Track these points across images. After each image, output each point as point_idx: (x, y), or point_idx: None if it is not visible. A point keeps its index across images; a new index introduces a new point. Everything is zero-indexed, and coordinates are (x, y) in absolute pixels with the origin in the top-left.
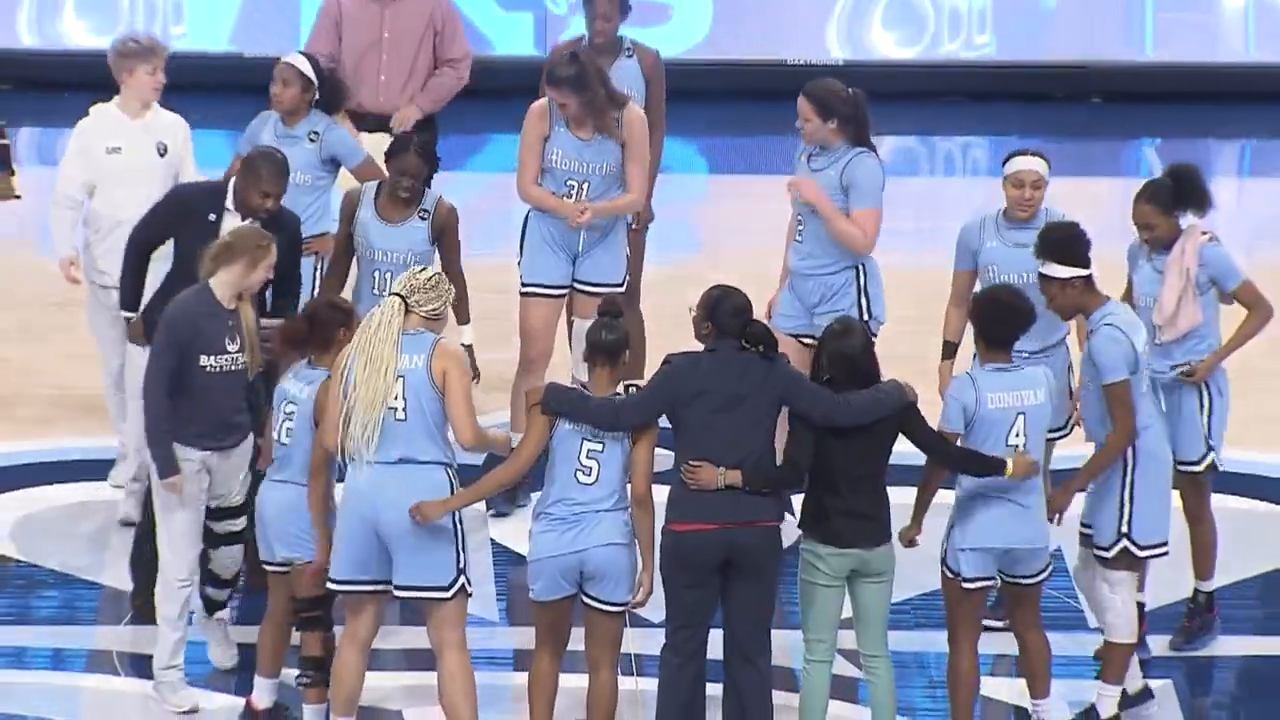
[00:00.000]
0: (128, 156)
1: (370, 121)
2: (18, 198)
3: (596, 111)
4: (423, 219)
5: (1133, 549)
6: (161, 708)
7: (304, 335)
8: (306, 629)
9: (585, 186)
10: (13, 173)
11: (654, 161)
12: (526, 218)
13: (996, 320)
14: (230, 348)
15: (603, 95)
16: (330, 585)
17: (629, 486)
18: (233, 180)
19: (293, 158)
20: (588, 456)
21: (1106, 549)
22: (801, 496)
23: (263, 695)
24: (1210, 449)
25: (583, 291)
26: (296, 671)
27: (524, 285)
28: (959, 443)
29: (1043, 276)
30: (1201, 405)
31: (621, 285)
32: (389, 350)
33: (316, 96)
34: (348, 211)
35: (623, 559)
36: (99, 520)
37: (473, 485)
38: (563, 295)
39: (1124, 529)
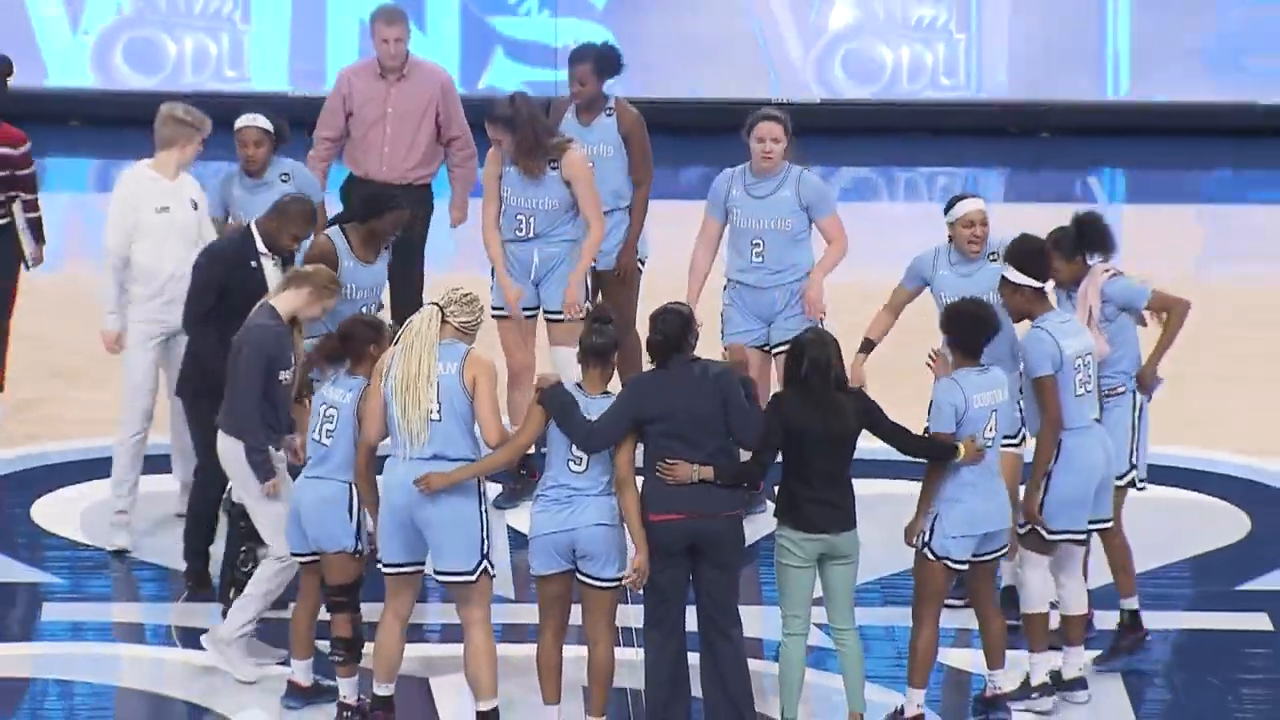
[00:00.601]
0: (174, 215)
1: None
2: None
3: (526, 152)
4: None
5: (1041, 531)
6: (218, 675)
7: (339, 350)
8: (337, 611)
9: (532, 220)
10: (43, 242)
11: (640, 211)
12: None
13: (970, 330)
14: (291, 363)
15: (532, 138)
16: (379, 567)
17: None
18: (253, 225)
19: (265, 203)
20: (578, 448)
21: (1020, 527)
22: (776, 488)
23: (302, 673)
24: (1133, 467)
25: (546, 318)
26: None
27: (493, 308)
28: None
29: (1003, 278)
30: (1133, 425)
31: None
32: (427, 358)
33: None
34: (324, 258)
35: (610, 538)
36: (157, 509)
37: (474, 464)
38: (527, 314)
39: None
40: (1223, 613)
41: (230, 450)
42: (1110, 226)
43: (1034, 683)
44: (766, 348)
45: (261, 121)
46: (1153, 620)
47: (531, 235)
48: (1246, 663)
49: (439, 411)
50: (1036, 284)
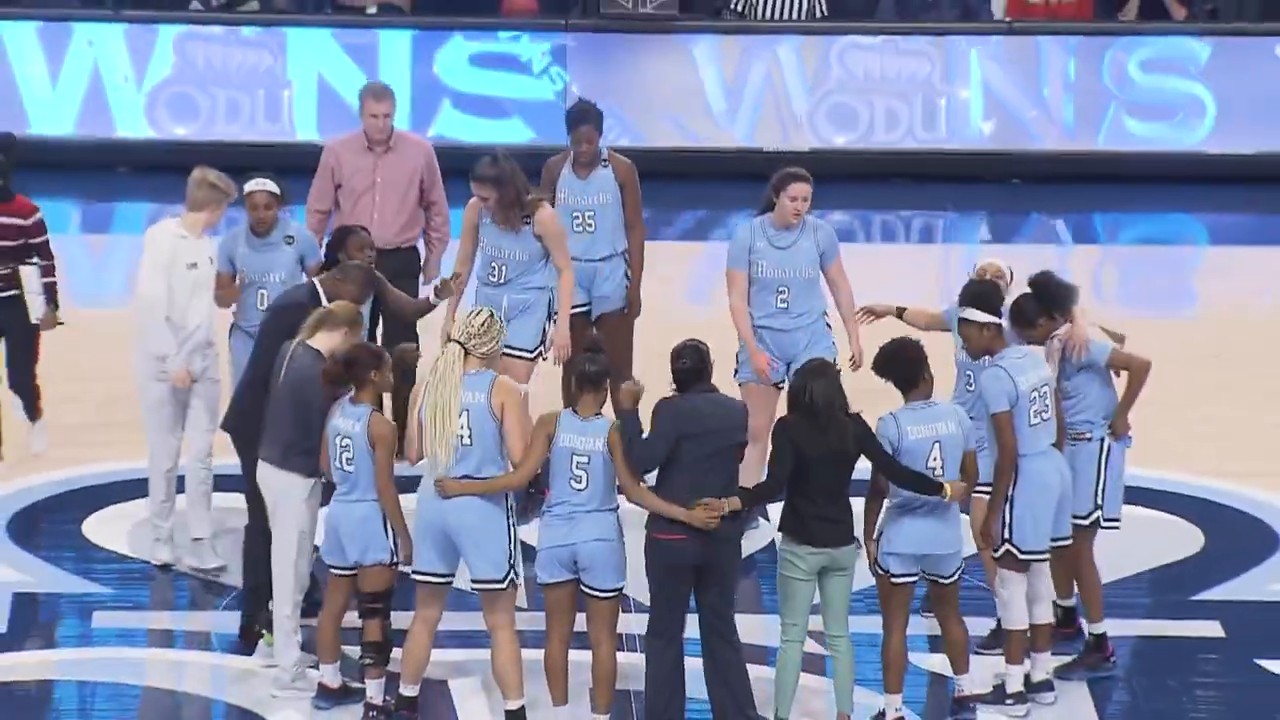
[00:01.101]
0: (201, 271)
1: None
2: (61, 324)
3: (507, 207)
4: None
5: (1014, 552)
6: (255, 678)
7: (343, 375)
8: (369, 618)
9: (504, 268)
10: (57, 307)
11: (637, 258)
12: None
13: (900, 368)
14: None
15: (513, 194)
16: (413, 576)
17: (615, 491)
18: (316, 283)
19: (273, 261)
20: (578, 467)
21: (995, 550)
22: (780, 505)
23: (331, 677)
24: (1098, 508)
25: (505, 352)
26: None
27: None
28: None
29: (962, 320)
30: (1098, 469)
31: (533, 352)
32: (453, 394)
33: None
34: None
35: (608, 552)
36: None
37: (486, 481)
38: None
39: (1006, 535)
40: (1179, 620)
41: (280, 481)
42: (1063, 281)
43: (1009, 690)
44: (781, 383)
45: (270, 185)
46: (1115, 628)
47: (503, 281)
48: (1201, 667)
49: (469, 436)
50: (995, 320)
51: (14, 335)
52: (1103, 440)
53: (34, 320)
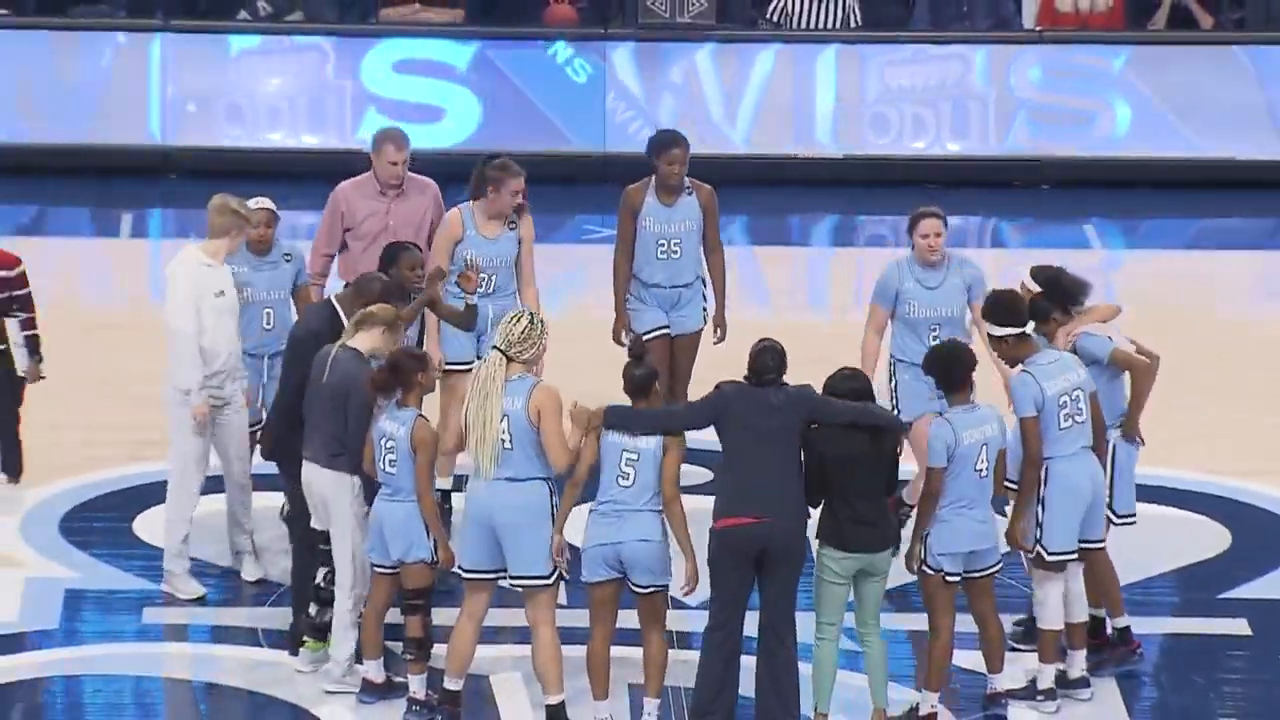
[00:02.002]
0: (227, 298)
1: None
2: (43, 378)
3: (516, 210)
4: None
5: (1043, 553)
6: (301, 676)
7: (390, 382)
8: (411, 614)
9: (494, 276)
10: (41, 359)
11: (720, 283)
12: None
13: (946, 369)
14: None
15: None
16: (460, 573)
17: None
18: (333, 300)
19: (272, 280)
20: (625, 464)
21: (1029, 552)
22: (818, 511)
23: (375, 672)
24: (1106, 504)
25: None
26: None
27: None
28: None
29: (989, 335)
30: (1107, 469)
31: None
32: (494, 402)
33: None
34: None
35: (654, 551)
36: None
37: (559, 514)
38: (468, 368)
39: (1038, 535)
40: (1206, 618)
41: (327, 480)
42: (1070, 274)
43: (1041, 687)
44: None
45: (269, 204)
46: (1142, 625)
47: (491, 290)
48: (1228, 664)
49: (510, 441)
50: (1016, 331)
51: None
52: (1110, 441)
53: (20, 373)
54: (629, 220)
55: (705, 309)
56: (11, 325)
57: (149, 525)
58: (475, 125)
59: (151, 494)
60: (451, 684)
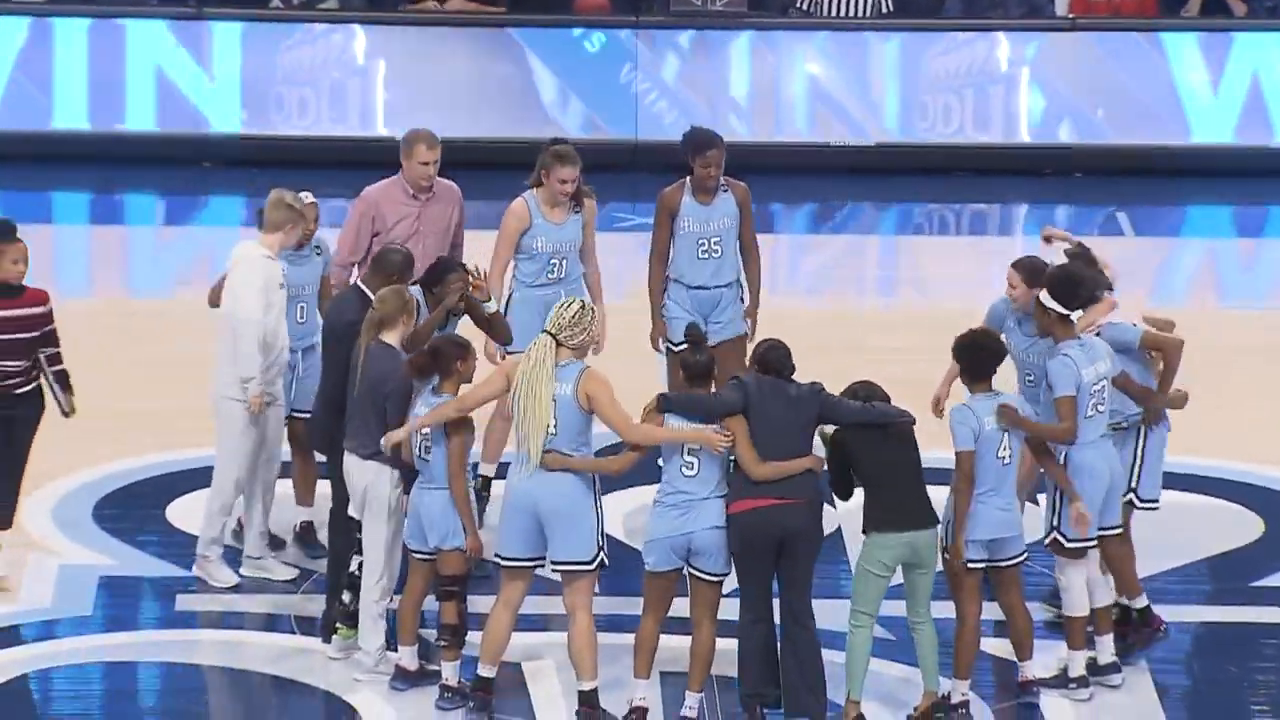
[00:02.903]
0: (283, 293)
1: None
2: (74, 411)
3: (575, 195)
4: None
5: (1061, 540)
6: (333, 663)
7: (429, 366)
8: (446, 600)
9: (565, 262)
10: (72, 392)
11: (756, 282)
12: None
13: (977, 358)
14: None
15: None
16: (498, 560)
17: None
18: (360, 284)
19: (306, 274)
20: (689, 453)
21: (1044, 538)
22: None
23: (408, 658)
24: (1132, 489)
25: None
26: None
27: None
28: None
29: (1037, 300)
30: (1136, 451)
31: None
32: (545, 385)
33: None
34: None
35: (722, 539)
36: (281, 510)
37: (590, 459)
38: None
39: (1054, 523)
40: (1239, 607)
41: (365, 471)
42: (1077, 274)
43: (1072, 674)
44: None
45: (311, 196)
46: (1175, 614)
47: (563, 276)
48: (1261, 652)
49: (555, 426)
50: (1063, 310)
51: (20, 428)
52: (1138, 427)
53: (64, 411)
54: (666, 223)
55: (745, 319)
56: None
57: (182, 512)
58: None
59: (184, 481)
60: (485, 671)
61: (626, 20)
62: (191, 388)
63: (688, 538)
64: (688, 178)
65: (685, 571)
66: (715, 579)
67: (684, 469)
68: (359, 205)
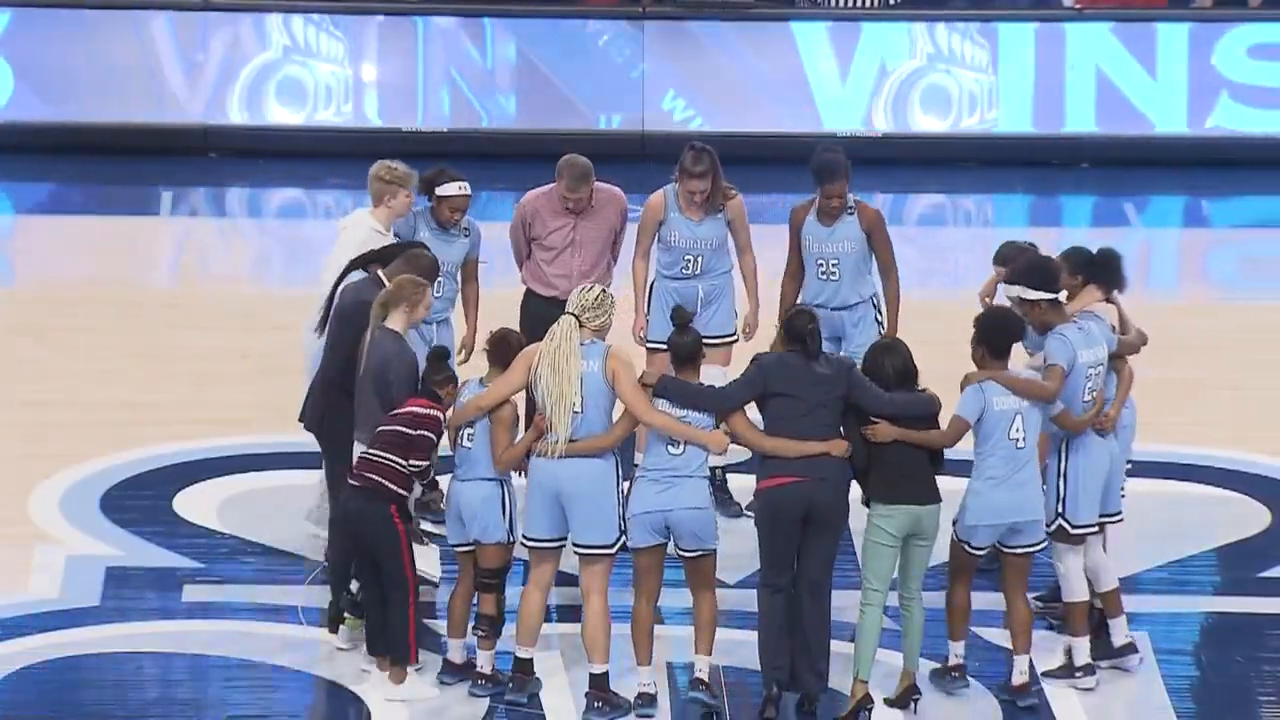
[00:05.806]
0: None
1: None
2: None
3: (713, 195)
4: None
5: (1066, 526)
6: (340, 653)
7: (491, 354)
8: (485, 592)
9: (700, 259)
10: None
11: (894, 306)
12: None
13: (996, 334)
14: None
15: (718, 183)
16: (524, 542)
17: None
18: (381, 275)
19: (452, 254)
20: None
21: (1049, 525)
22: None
23: (456, 652)
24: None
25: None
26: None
27: (650, 342)
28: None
29: (1019, 299)
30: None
31: (732, 336)
32: (572, 361)
33: None
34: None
35: (702, 518)
36: (287, 500)
37: (594, 438)
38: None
39: (1060, 509)
40: (1246, 597)
41: None
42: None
43: (1078, 663)
44: None
45: (468, 188)
46: (1182, 604)
47: (699, 272)
48: (1268, 643)
49: (581, 404)
50: (1049, 295)
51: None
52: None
53: None
54: (797, 241)
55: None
56: None
57: (189, 503)
58: (512, 106)
59: (192, 471)
60: (523, 653)
61: (633, 11)
62: (198, 379)
63: (665, 515)
64: (815, 199)
65: (675, 552)
66: (700, 555)
67: (669, 446)
68: (518, 210)
